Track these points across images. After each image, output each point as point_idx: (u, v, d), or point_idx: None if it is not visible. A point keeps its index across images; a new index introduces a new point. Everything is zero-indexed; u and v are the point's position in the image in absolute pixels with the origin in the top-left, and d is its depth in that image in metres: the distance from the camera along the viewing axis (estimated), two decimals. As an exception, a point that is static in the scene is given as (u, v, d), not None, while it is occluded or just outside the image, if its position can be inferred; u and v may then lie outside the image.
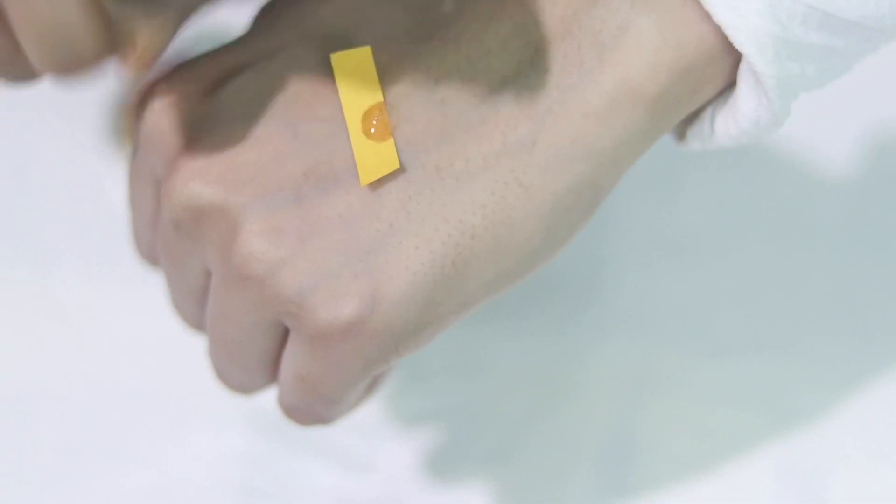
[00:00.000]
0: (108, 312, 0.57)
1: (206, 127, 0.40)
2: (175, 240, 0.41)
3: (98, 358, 0.56)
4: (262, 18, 0.43)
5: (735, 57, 0.39)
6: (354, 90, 0.40)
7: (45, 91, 0.62)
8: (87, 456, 0.54)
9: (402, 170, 0.39)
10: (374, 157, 0.39)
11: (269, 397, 0.46)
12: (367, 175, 0.39)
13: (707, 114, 0.41)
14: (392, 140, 0.39)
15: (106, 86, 0.62)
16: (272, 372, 0.43)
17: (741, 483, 0.53)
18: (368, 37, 0.41)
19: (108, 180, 0.60)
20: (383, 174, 0.39)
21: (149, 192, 0.43)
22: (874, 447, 0.53)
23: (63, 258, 0.58)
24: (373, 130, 0.39)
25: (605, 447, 0.53)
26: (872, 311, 0.56)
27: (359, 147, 0.39)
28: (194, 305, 0.43)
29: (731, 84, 0.40)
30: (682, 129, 0.42)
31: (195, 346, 0.48)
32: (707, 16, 0.38)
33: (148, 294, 0.53)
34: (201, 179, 0.40)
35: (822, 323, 0.56)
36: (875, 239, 0.58)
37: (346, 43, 0.41)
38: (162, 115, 0.41)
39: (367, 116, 0.40)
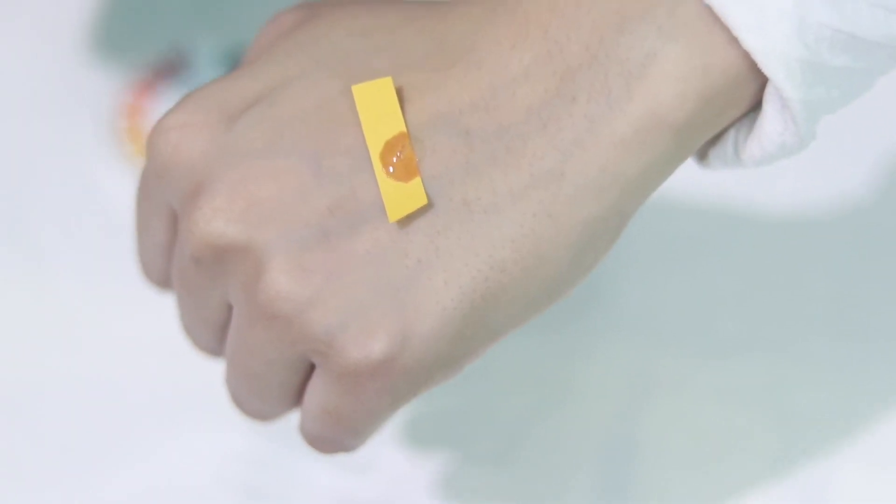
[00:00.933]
0: (108, 312, 0.57)
1: (225, 161, 0.39)
2: (194, 274, 0.41)
3: (98, 358, 0.56)
4: (272, 40, 0.42)
5: (760, 79, 0.38)
6: (377, 123, 0.39)
7: (44, 91, 0.62)
8: (87, 456, 0.54)
9: (429, 204, 0.39)
10: (401, 193, 0.38)
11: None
12: (395, 212, 0.38)
13: (730, 136, 0.40)
14: (419, 177, 0.38)
15: (105, 86, 0.62)
16: (294, 401, 0.42)
17: (742, 484, 0.53)
18: (386, 62, 0.40)
19: (108, 180, 0.60)
20: (411, 210, 0.38)
21: (162, 220, 0.42)
22: (874, 448, 0.53)
23: (63, 258, 0.58)
24: (392, 168, 0.39)
25: (606, 448, 0.53)
26: (873, 312, 0.56)
27: (385, 183, 0.39)
28: (210, 335, 0.43)
29: (755, 105, 0.39)
30: (705, 149, 0.41)
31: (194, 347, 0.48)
32: (734, 41, 0.37)
33: (147, 294, 0.53)
34: (224, 217, 0.39)
35: (822, 324, 0.56)
36: (875, 239, 0.58)
37: (363, 68, 0.40)
38: (178, 148, 0.40)
39: (389, 148, 0.39)
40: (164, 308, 0.48)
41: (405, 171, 0.39)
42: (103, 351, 0.56)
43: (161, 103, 0.61)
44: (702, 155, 0.42)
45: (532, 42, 0.39)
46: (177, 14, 0.64)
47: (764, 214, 0.59)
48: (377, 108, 0.39)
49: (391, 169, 0.39)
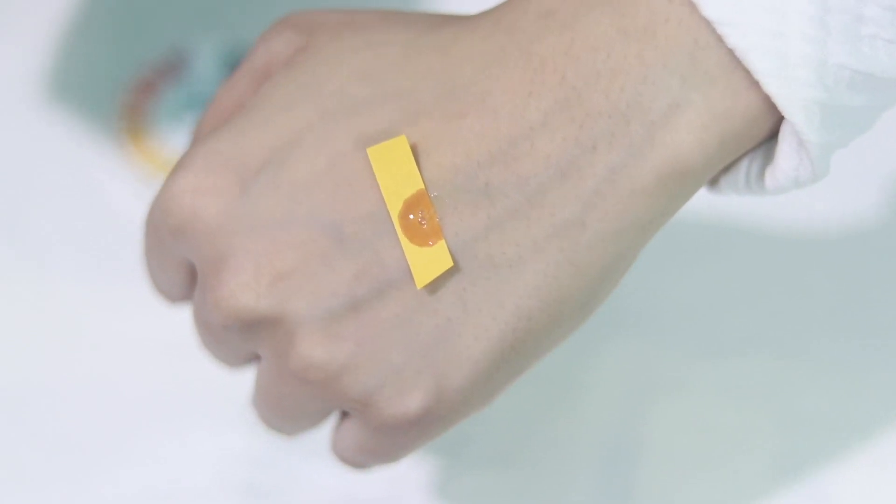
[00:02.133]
0: (108, 312, 0.57)
1: (244, 231, 0.39)
2: (221, 332, 0.40)
3: (98, 358, 0.56)
4: (267, 66, 0.42)
5: (776, 116, 0.38)
6: (396, 185, 0.38)
7: (44, 91, 0.62)
8: (87, 456, 0.54)
9: (454, 263, 0.38)
10: (427, 259, 0.38)
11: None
12: (422, 278, 0.38)
13: (743, 165, 0.40)
14: (444, 240, 0.38)
15: (105, 86, 0.62)
16: (324, 423, 0.43)
17: (745, 484, 0.53)
18: (396, 111, 0.39)
19: (108, 180, 0.60)
20: (437, 274, 0.38)
21: (177, 267, 0.42)
22: (875, 448, 0.53)
23: (63, 258, 0.58)
24: (416, 235, 0.38)
25: (607, 448, 0.53)
26: (874, 312, 0.56)
27: (410, 250, 0.38)
28: (235, 363, 0.43)
29: (770, 136, 0.39)
30: (716, 177, 0.41)
31: (196, 347, 0.48)
32: (755, 84, 0.37)
33: (148, 294, 0.53)
34: (252, 293, 0.39)
35: (823, 323, 0.56)
36: (877, 239, 0.58)
37: (372, 119, 0.39)
38: (194, 213, 0.39)
39: (410, 209, 0.38)
40: (164, 309, 0.48)
41: (429, 237, 0.38)
42: (103, 351, 0.56)
43: (161, 103, 0.61)
44: (713, 182, 0.41)
45: (549, 89, 0.38)
46: (177, 14, 0.64)
47: (766, 214, 0.59)
48: (394, 170, 0.38)
49: (415, 236, 0.38)
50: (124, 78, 0.62)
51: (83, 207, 0.59)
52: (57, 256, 0.58)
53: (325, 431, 0.51)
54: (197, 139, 0.43)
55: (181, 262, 0.42)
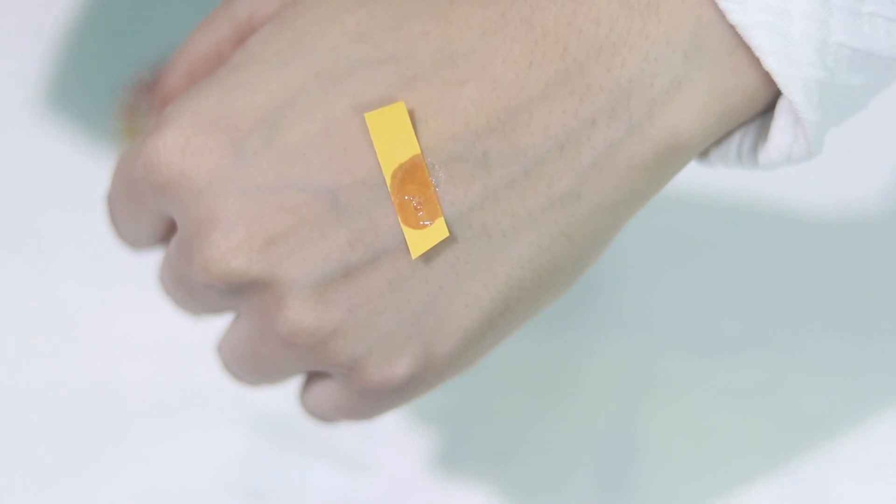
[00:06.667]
0: (108, 312, 0.57)
1: (236, 194, 0.38)
2: (202, 291, 0.40)
3: (97, 358, 0.56)
4: (262, 42, 0.40)
5: (774, 91, 0.38)
6: (393, 153, 0.38)
7: (44, 91, 0.62)
8: (87, 456, 0.54)
9: (449, 232, 0.38)
10: (423, 230, 0.38)
11: (270, 400, 0.45)
12: (417, 249, 0.38)
13: (735, 139, 0.40)
14: (442, 217, 0.38)
15: (104, 86, 0.62)
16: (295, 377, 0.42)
17: (740, 483, 0.53)
18: (394, 75, 0.38)
19: (107, 180, 0.60)
20: (433, 244, 0.38)
21: (154, 220, 0.41)
22: (874, 448, 0.53)
23: (63, 258, 0.58)
24: (413, 209, 0.38)
25: (605, 447, 0.53)
26: (873, 312, 0.56)
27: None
28: (205, 314, 0.42)
29: (764, 110, 0.39)
30: (706, 148, 0.41)
31: (195, 347, 0.48)
32: (756, 62, 0.37)
33: (148, 294, 0.53)
34: (243, 255, 0.38)
35: (822, 324, 0.56)
36: (875, 239, 0.58)
37: (369, 83, 0.38)
38: (182, 172, 0.38)
39: (407, 177, 0.38)
40: (163, 308, 0.48)
41: (426, 212, 0.38)
42: (104, 351, 0.56)
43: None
44: (703, 154, 0.41)
45: (550, 60, 0.37)
46: (177, 14, 0.64)
47: (764, 214, 0.59)
48: (391, 137, 0.38)
49: (411, 210, 0.38)
50: (124, 78, 0.62)
51: (83, 208, 0.59)
52: (56, 256, 0.58)
53: (322, 433, 0.51)
54: (168, 82, 0.43)
55: (158, 216, 0.41)
